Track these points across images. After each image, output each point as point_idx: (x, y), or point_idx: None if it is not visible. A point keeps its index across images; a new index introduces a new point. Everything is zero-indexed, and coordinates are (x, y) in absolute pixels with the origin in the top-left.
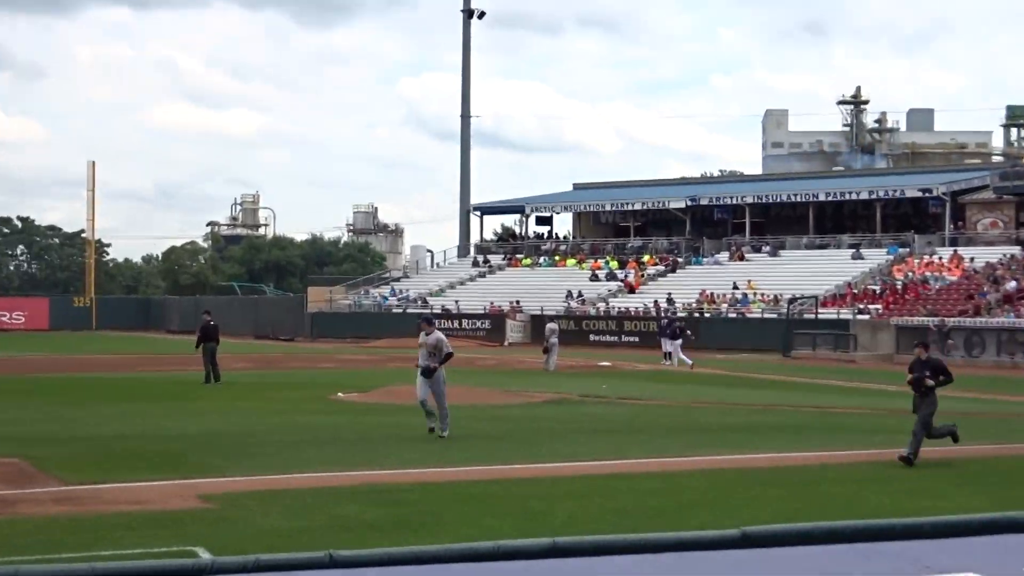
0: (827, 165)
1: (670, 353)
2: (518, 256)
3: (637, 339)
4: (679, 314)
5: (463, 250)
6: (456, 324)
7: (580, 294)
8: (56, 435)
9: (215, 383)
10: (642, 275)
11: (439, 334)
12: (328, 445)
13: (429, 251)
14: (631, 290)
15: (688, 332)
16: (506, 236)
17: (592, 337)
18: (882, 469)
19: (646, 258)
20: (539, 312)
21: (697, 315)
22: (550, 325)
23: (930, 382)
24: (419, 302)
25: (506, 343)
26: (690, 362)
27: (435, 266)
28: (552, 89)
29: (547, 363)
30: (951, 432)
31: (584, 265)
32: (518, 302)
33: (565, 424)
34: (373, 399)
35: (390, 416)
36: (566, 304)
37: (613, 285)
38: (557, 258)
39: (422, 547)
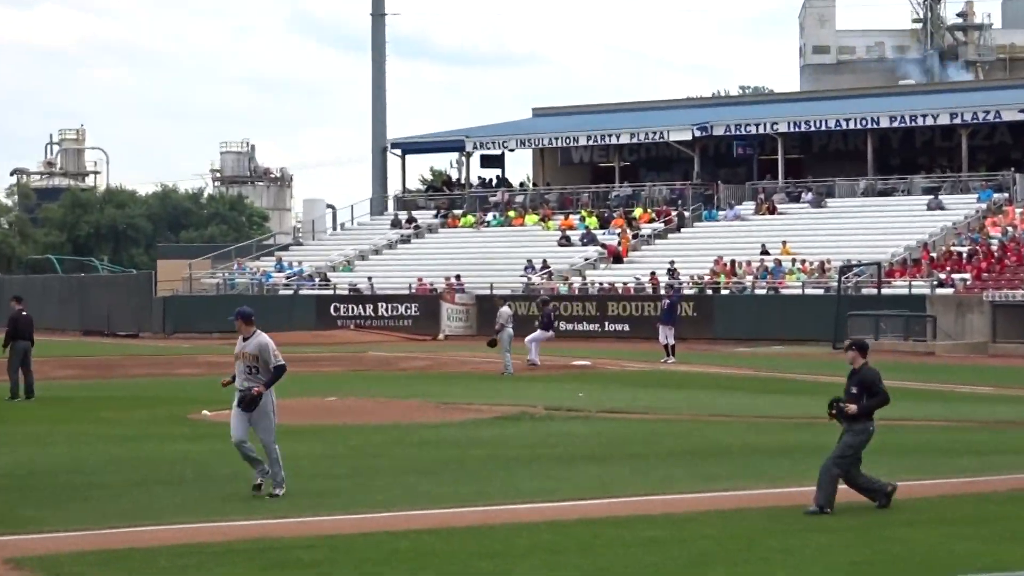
0: (891, 79)
1: (672, 347)
2: (456, 212)
3: (626, 327)
4: (686, 290)
5: (378, 205)
6: (370, 310)
7: (545, 265)
8: None
9: (27, 399)
10: (633, 237)
11: (264, 338)
12: (191, 485)
13: (330, 207)
14: (617, 259)
15: (553, 322)
16: (439, 184)
17: (564, 325)
18: (969, 505)
19: (638, 213)
20: (487, 291)
21: (711, 292)
22: (503, 310)
23: (852, 408)
24: (317, 280)
25: (442, 335)
26: (536, 360)
27: (338, 228)
28: None
29: (505, 363)
30: (882, 490)
31: (550, 224)
32: (458, 278)
33: (526, 449)
34: None
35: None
36: (525, 279)
37: (591, 252)
38: (512, 214)
39: None
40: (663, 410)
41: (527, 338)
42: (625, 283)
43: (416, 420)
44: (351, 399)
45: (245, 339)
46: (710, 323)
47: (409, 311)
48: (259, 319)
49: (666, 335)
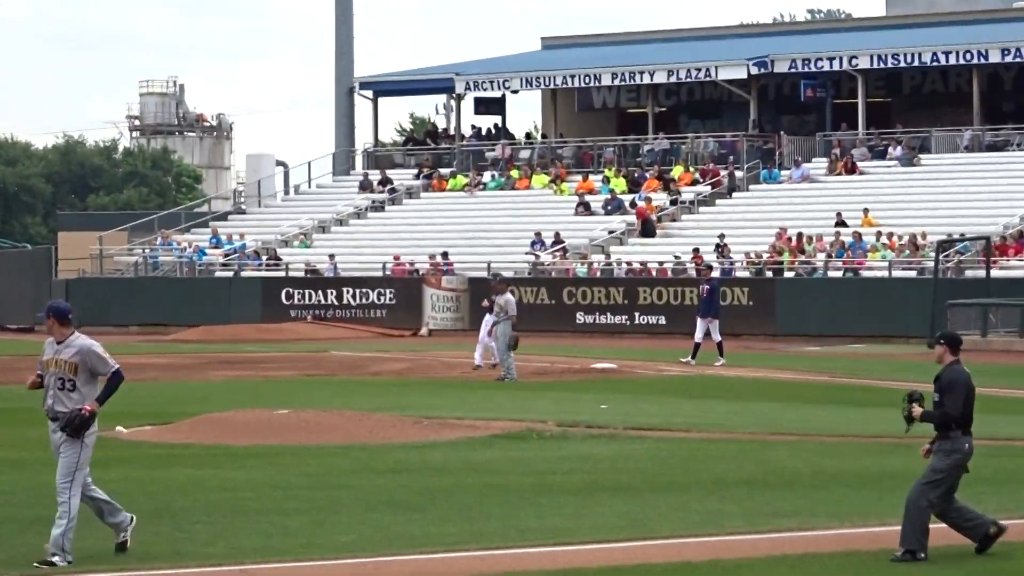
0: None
1: (719, 344)
2: (443, 172)
3: (662, 319)
4: (738, 272)
5: (343, 162)
6: (333, 298)
7: (558, 240)
8: None
9: None
10: (671, 203)
11: (86, 341)
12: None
13: (280, 164)
14: (649, 230)
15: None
16: (421, 136)
17: (582, 317)
18: None
19: (677, 172)
20: (483, 273)
21: (771, 274)
22: (504, 298)
23: (917, 411)
24: (264, 258)
25: (425, 329)
26: (502, 365)
27: (291, 192)
28: None
29: (504, 365)
30: (981, 529)
31: (564, 187)
32: (445, 256)
33: (534, 478)
34: (180, 437)
35: (213, 468)
36: (532, 258)
37: (618, 222)
38: (515, 175)
39: None
40: (710, 427)
41: (710, 336)
42: (661, 263)
43: (392, 439)
44: (308, 412)
45: (59, 343)
46: (770, 314)
47: (383, 299)
48: (192, 312)
49: (706, 330)
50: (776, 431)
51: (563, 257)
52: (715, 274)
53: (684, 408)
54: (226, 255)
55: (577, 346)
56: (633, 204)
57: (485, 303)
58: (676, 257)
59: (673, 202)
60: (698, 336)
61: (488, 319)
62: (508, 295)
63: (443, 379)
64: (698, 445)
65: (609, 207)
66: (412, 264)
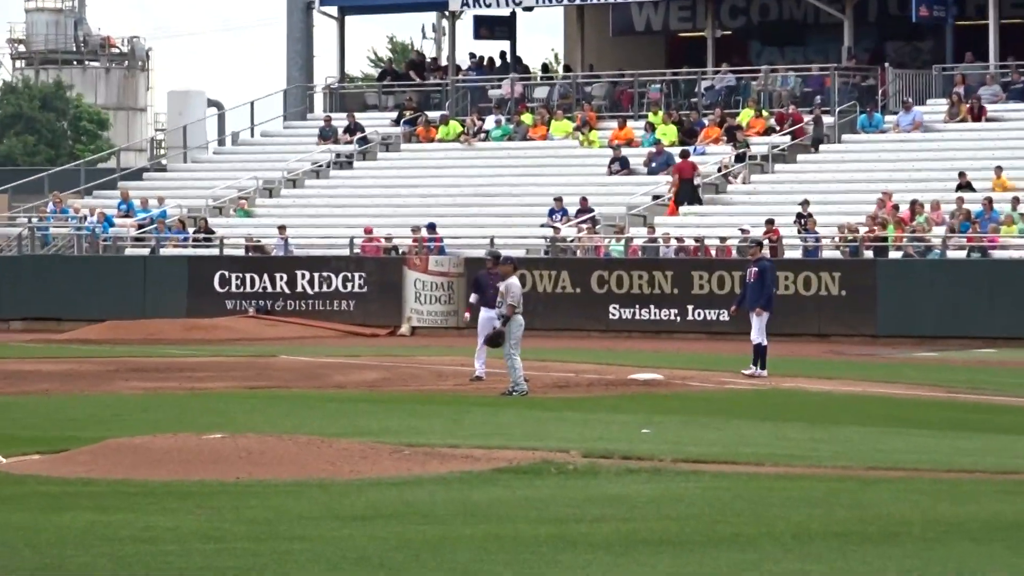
0: None
1: (762, 349)
2: (431, 117)
3: (723, 314)
4: (826, 252)
5: (297, 103)
6: (283, 285)
7: (585, 207)
8: None
9: None
10: (737, 159)
11: None
12: None
13: (214, 105)
14: (688, 195)
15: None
16: (402, 69)
17: (616, 311)
18: None
19: (746, 118)
20: (484, 250)
21: (871, 252)
22: (509, 283)
23: None
24: (192, 231)
25: (406, 327)
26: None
27: (228, 142)
28: None
29: (512, 376)
30: None
31: (593, 137)
32: (432, 228)
33: (552, 527)
34: (79, 469)
35: (124, 512)
36: (550, 232)
37: (665, 184)
38: (528, 120)
39: None
40: (787, 459)
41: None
42: (722, 239)
43: (362, 474)
44: (249, 438)
45: None
46: (868, 309)
47: (350, 286)
48: (91, 296)
49: (758, 330)
50: (876, 465)
51: (592, 231)
52: (765, 252)
53: (753, 434)
54: (140, 227)
55: (610, 350)
56: (686, 156)
57: (473, 299)
58: (743, 231)
59: (740, 157)
60: (755, 336)
61: (488, 315)
62: (514, 279)
63: (430, 393)
64: (772, 484)
65: (654, 164)
66: (389, 239)
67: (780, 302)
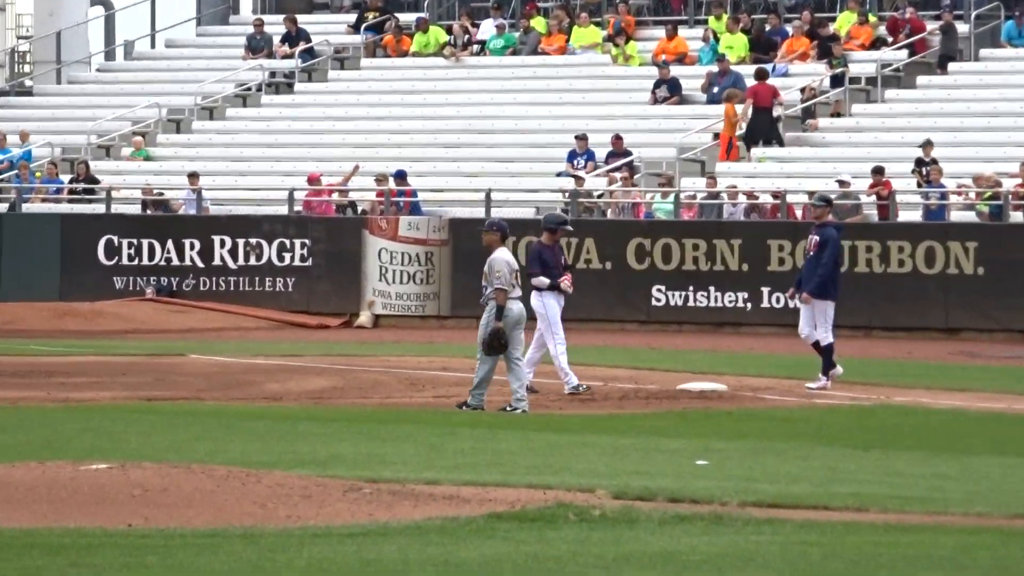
0: None
1: (827, 348)
2: (404, 22)
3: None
4: (955, 211)
5: (216, 4)
6: (195, 255)
7: (620, 149)
8: None
9: None
10: (832, 82)
11: None
12: None
13: (101, 3)
14: (764, 132)
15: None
16: None
17: (662, 294)
18: None
19: (845, 23)
20: (479, 210)
21: (1021, 213)
22: (493, 259)
23: None
24: (67, 178)
25: (366, 315)
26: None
27: (121, 56)
28: None
29: (515, 385)
30: None
31: (630, 50)
32: (403, 177)
33: None
34: None
35: None
36: (570, 183)
37: (709, 116)
38: (539, 27)
39: None
40: (901, 503)
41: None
42: (811, 194)
43: (304, 521)
44: (146, 468)
45: None
46: (1017, 292)
47: (288, 257)
48: None
49: (809, 321)
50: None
51: (629, 182)
52: (830, 218)
53: (852, 467)
54: None
55: (653, 348)
56: (763, 78)
57: (541, 282)
58: (841, 183)
59: (836, 80)
60: (803, 329)
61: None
62: (501, 253)
63: (400, 408)
64: (879, 537)
65: (716, 89)
66: (344, 193)
67: (891, 284)
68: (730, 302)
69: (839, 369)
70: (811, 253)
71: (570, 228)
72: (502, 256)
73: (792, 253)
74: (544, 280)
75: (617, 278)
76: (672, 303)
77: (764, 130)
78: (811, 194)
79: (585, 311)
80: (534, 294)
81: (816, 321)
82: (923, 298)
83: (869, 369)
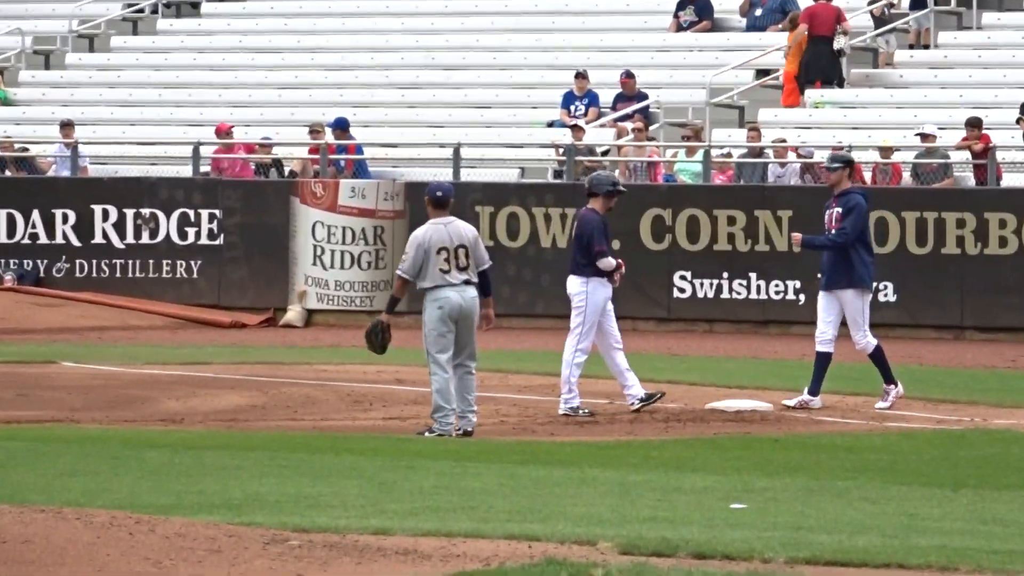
0: None
1: (878, 357)
2: None
3: (889, 289)
4: None
5: None
6: (68, 231)
7: (630, 90)
8: None
9: None
10: (911, 2)
11: None
12: None
13: None
14: (822, 69)
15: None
16: None
17: (683, 283)
18: None
19: None
20: (444, 169)
21: None
22: (415, 232)
23: None
24: None
25: (296, 309)
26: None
27: None
28: None
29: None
30: None
31: None
32: (345, 127)
33: None
34: None
35: None
36: (567, 134)
37: (770, 49)
38: None
39: None
40: (1001, 561)
41: (574, 330)
42: (885, 151)
43: None
44: (2, 513)
45: None
46: None
47: (193, 233)
48: None
49: (840, 314)
50: None
51: (643, 134)
52: (851, 183)
53: (935, 513)
54: None
55: (675, 355)
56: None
57: (609, 263)
58: (924, 136)
59: (917, 2)
60: (822, 329)
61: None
62: (426, 226)
63: (340, 434)
64: None
65: (759, 11)
66: (266, 147)
67: (990, 270)
68: (777, 293)
69: (817, 401)
70: (831, 229)
71: (624, 189)
72: (418, 231)
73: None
74: (611, 262)
75: (628, 262)
76: (700, 295)
77: (823, 66)
78: (887, 151)
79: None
80: (576, 278)
81: (850, 322)
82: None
83: (960, 382)
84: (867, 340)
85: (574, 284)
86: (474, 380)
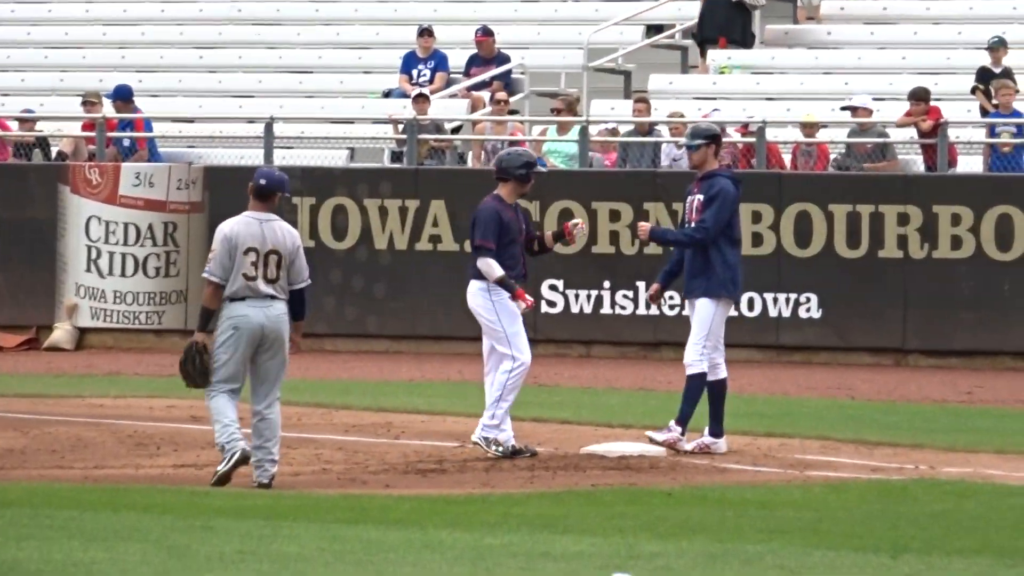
0: None
1: (696, 378)
2: None
3: (808, 307)
4: None
5: None
6: None
7: (488, 51)
8: None
9: None
10: None
11: None
12: None
13: None
14: (744, 25)
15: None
16: None
17: (552, 291)
18: None
19: None
20: (251, 152)
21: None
22: (275, 231)
23: None
24: None
25: (63, 328)
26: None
27: None
28: None
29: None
30: None
31: None
32: (126, 96)
33: None
34: None
35: None
36: (408, 115)
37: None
38: None
39: None
40: None
41: (486, 349)
42: (809, 126)
43: None
44: None
45: None
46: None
47: None
48: None
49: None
50: None
51: (504, 107)
52: (719, 164)
53: None
54: None
55: (544, 384)
56: None
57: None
58: (855, 111)
59: None
60: (695, 353)
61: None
62: (236, 218)
63: (120, 485)
64: None
65: None
66: (26, 120)
67: (940, 279)
68: (672, 308)
69: (721, 444)
70: (691, 222)
71: (543, 169)
72: (225, 223)
73: (776, 226)
74: (496, 270)
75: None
76: (575, 310)
77: (726, 19)
78: (812, 128)
79: (429, 324)
80: (476, 286)
81: (693, 330)
82: (995, 302)
83: (902, 420)
84: (702, 360)
85: (474, 293)
86: (275, 421)
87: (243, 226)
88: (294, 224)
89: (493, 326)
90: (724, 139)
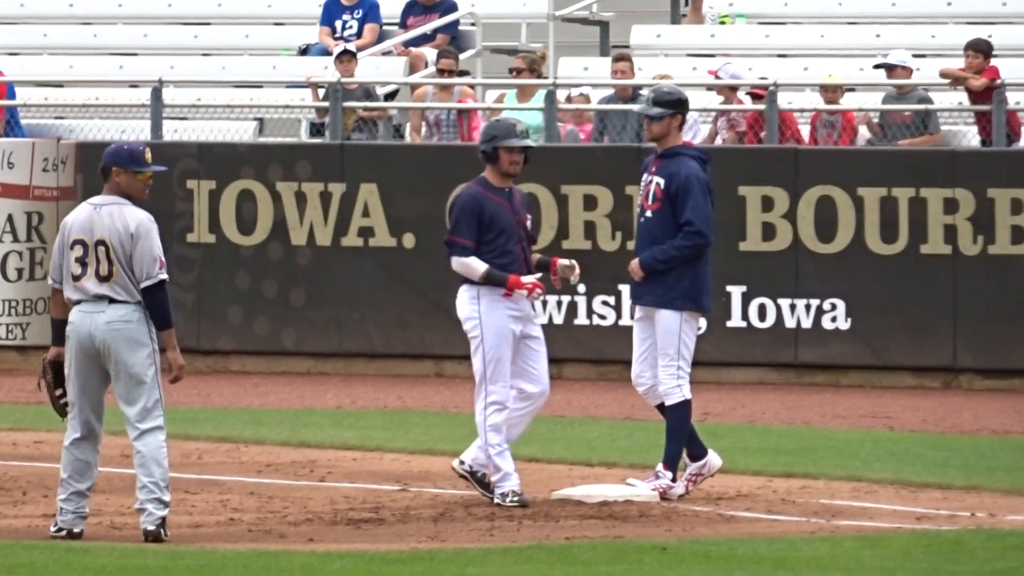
0: None
1: (679, 406)
2: None
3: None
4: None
5: None
6: None
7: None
8: None
9: None
10: None
11: None
12: None
13: None
14: None
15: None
16: None
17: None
18: None
19: None
20: (134, 124)
21: None
22: (105, 217)
23: None
24: None
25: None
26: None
27: None
28: None
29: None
30: None
31: None
32: None
33: None
34: None
35: None
36: (330, 78)
37: None
38: None
39: None
40: None
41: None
42: (831, 89)
43: None
44: None
45: None
46: None
47: None
48: None
49: (647, 355)
50: None
51: (452, 67)
52: (692, 138)
53: None
54: None
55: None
56: None
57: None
58: (891, 68)
59: None
60: (640, 370)
61: (504, 313)
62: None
63: None
64: None
65: None
66: None
67: (997, 280)
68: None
69: (714, 459)
70: (648, 212)
71: (532, 143)
72: (69, 216)
73: (792, 214)
74: (476, 266)
75: (430, 268)
76: (542, 320)
77: None
78: (835, 91)
79: (360, 339)
80: (465, 292)
81: (659, 347)
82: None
83: (952, 456)
84: (681, 388)
85: (463, 302)
86: (150, 455)
87: (76, 216)
88: (188, 216)
89: (475, 343)
90: (730, 106)
